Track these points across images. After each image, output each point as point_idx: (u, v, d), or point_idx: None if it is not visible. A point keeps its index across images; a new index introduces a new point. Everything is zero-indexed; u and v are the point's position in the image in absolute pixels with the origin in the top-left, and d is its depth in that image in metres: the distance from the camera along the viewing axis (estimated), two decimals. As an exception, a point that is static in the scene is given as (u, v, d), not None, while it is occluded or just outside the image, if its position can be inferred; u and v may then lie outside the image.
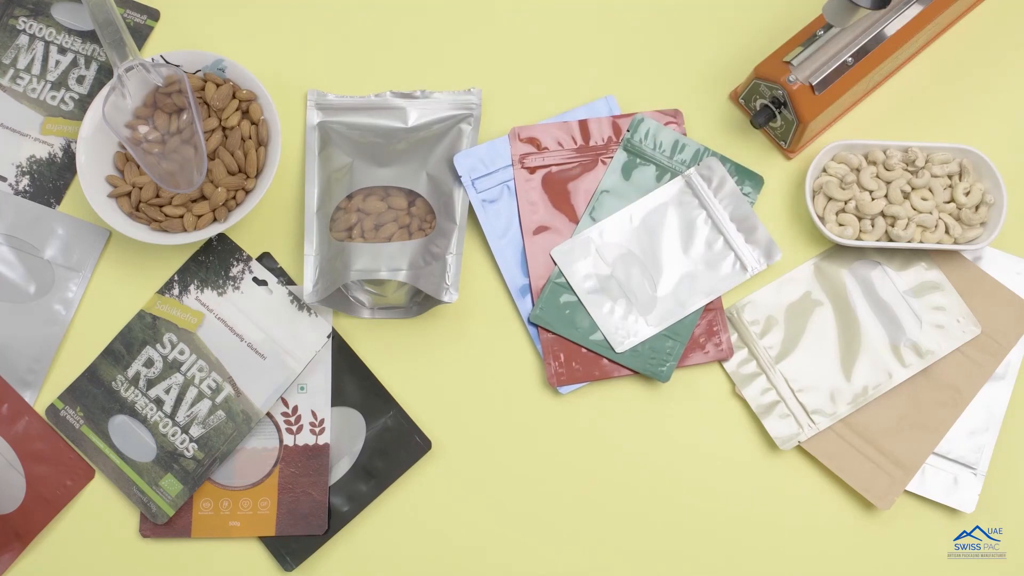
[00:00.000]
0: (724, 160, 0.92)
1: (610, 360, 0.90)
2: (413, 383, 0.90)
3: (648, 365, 0.89)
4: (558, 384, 0.89)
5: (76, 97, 0.94)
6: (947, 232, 0.90)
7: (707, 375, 0.91)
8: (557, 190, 0.92)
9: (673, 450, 0.90)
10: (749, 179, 0.92)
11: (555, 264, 0.90)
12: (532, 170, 0.92)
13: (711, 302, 0.90)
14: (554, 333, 0.90)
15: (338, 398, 0.90)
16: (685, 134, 0.93)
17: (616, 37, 0.97)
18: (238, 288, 0.91)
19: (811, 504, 0.89)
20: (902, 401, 0.89)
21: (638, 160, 0.92)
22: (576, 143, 0.92)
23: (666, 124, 0.93)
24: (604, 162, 0.92)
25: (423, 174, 0.90)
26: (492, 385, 0.90)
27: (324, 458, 0.88)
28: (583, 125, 0.92)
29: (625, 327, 0.89)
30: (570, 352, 0.90)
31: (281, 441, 0.89)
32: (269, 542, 0.88)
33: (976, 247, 0.89)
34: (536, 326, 0.90)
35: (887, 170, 0.90)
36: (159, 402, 0.89)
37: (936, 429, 0.89)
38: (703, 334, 0.90)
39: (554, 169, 0.92)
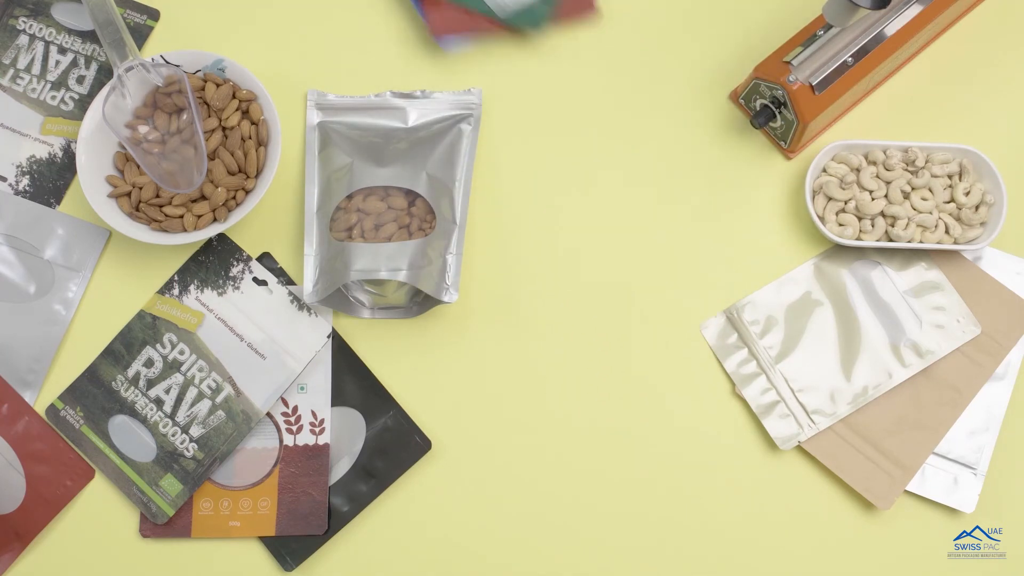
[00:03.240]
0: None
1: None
2: (413, 383, 0.90)
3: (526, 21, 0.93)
4: (441, 34, 0.92)
5: (76, 97, 0.94)
6: (947, 232, 0.90)
7: (707, 375, 0.91)
8: None
9: (673, 450, 0.90)
10: None
11: None
12: None
13: None
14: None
15: (338, 398, 0.90)
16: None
17: (615, 37, 0.96)
18: (238, 288, 0.91)
19: (811, 504, 0.89)
20: (902, 401, 0.89)
21: None
22: None
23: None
24: None
25: (423, 174, 0.90)
26: (492, 385, 0.90)
27: (324, 458, 0.88)
28: None
29: None
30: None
31: (281, 441, 0.89)
32: (269, 542, 0.88)
33: (976, 247, 0.89)
34: None
35: (887, 170, 0.90)
36: (159, 402, 0.89)
37: (936, 429, 0.88)
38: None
39: None
